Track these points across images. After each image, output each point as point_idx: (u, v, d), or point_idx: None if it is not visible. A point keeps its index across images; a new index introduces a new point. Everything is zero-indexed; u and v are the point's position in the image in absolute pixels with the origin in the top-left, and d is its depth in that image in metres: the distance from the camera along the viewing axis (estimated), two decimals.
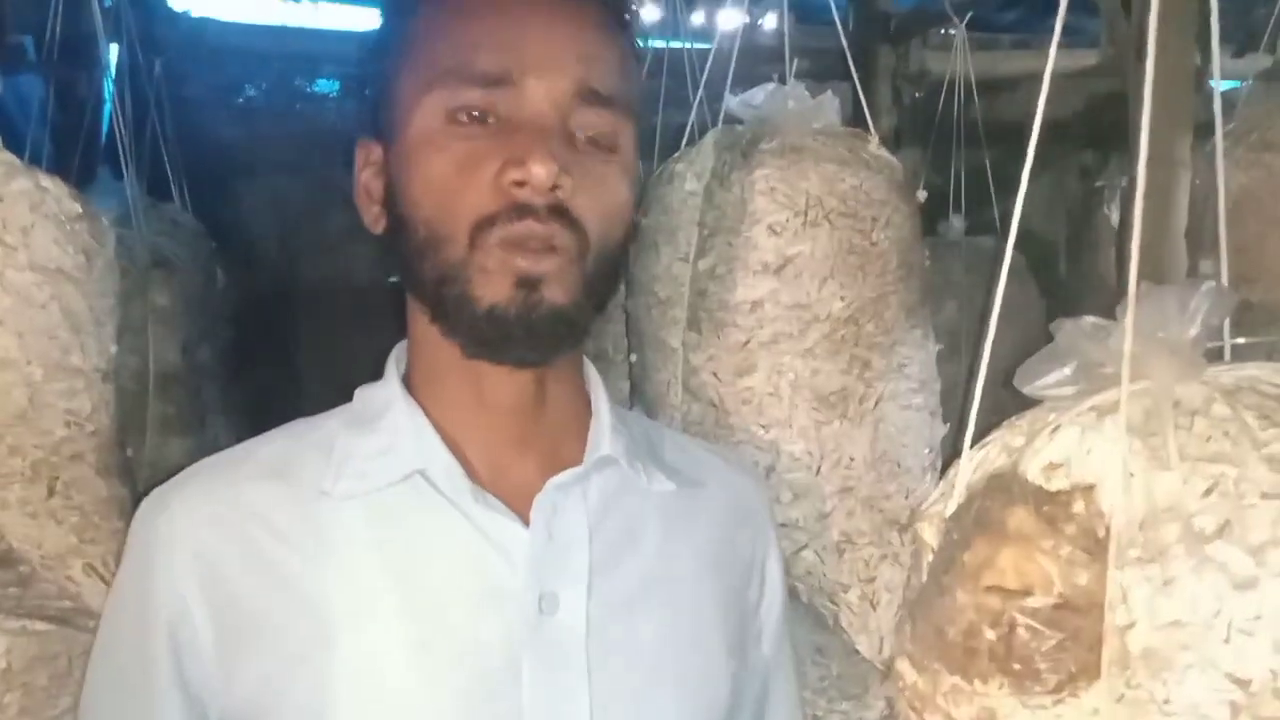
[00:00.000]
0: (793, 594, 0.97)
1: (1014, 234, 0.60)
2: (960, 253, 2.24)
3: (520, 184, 0.63)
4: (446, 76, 0.65)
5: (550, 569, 0.66)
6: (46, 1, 1.89)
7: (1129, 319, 0.51)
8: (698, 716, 0.71)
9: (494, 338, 0.65)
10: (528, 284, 0.64)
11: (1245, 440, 0.47)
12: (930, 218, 2.35)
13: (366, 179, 0.72)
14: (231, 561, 0.66)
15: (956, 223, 2.40)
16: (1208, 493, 0.45)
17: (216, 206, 2.24)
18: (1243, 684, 0.43)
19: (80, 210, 0.85)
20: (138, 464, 1.35)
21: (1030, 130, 0.58)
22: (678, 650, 0.70)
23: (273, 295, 2.62)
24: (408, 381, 0.72)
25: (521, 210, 0.64)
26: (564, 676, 0.65)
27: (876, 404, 0.96)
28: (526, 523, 0.67)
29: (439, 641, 0.64)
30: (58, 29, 1.85)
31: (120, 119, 1.78)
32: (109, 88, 1.95)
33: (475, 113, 0.65)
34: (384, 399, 0.70)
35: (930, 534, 0.56)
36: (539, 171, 0.63)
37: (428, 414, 0.69)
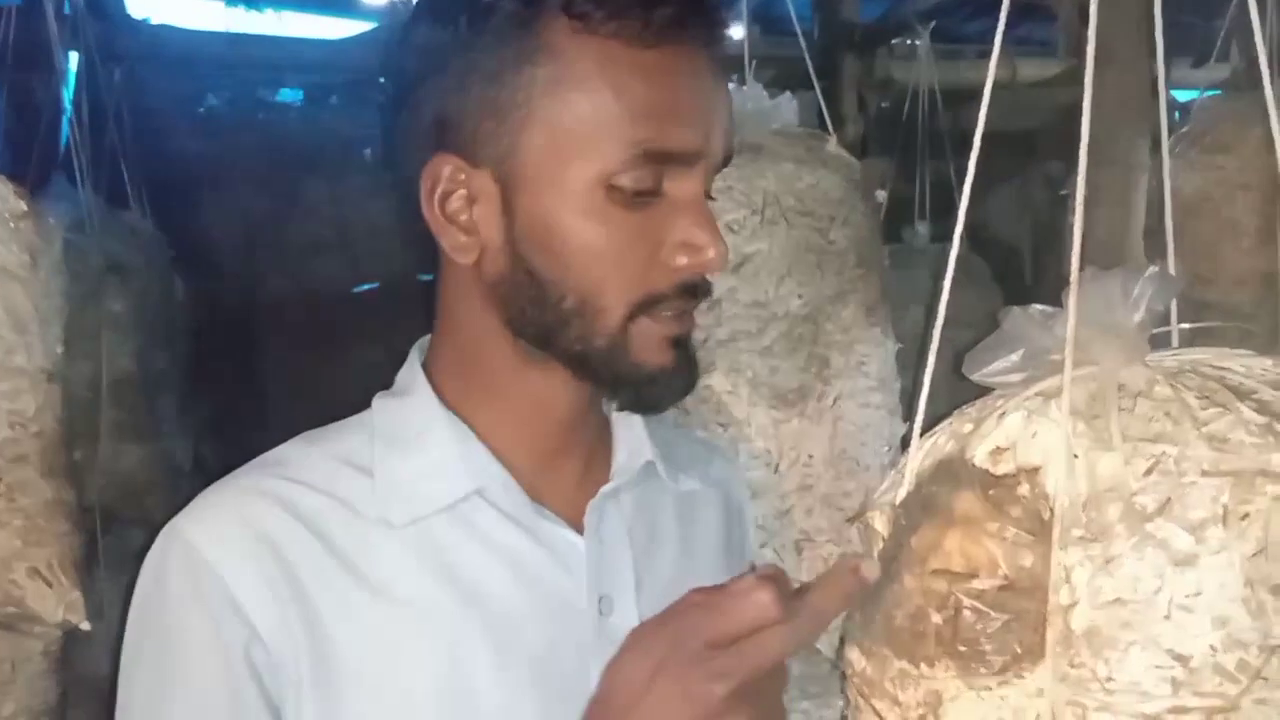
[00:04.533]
0: None
1: (959, 236, 0.60)
2: (926, 259, 2.26)
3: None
4: (627, 146, 0.61)
5: (605, 573, 0.68)
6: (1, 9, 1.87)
7: (1072, 304, 0.52)
8: None
9: (656, 396, 0.66)
10: (679, 344, 0.65)
11: (1186, 420, 0.47)
12: (897, 225, 2.37)
13: (457, 206, 0.64)
14: (300, 586, 0.63)
15: (922, 229, 2.42)
16: (1149, 472, 0.46)
17: (177, 215, 2.22)
18: (1183, 660, 0.43)
19: (25, 209, 0.84)
20: (89, 470, 1.33)
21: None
22: None
23: (234, 304, 2.59)
24: (437, 389, 0.69)
25: (691, 290, 0.64)
26: None
27: (835, 402, 0.96)
28: (575, 529, 0.68)
29: (517, 656, 0.65)
30: (11, 36, 1.83)
31: (77, 126, 1.77)
32: (67, 95, 1.93)
33: (649, 188, 0.62)
34: (421, 415, 0.68)
35: (880, 522, 0.56)
36: (718, 260, 0.63)
37: (471, 427, 0.68)
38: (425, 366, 0.71)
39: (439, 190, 0.64)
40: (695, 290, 0.64)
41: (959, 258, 0.58)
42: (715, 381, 0.96)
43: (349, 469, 0.67)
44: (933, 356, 0.59)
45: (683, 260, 0.63)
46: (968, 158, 0.57)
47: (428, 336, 0.73)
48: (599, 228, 0.62)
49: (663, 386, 0.65)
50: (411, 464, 0.67)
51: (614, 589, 0.68)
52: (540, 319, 0.64)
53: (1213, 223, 1.31)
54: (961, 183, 0.56)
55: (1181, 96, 2.06)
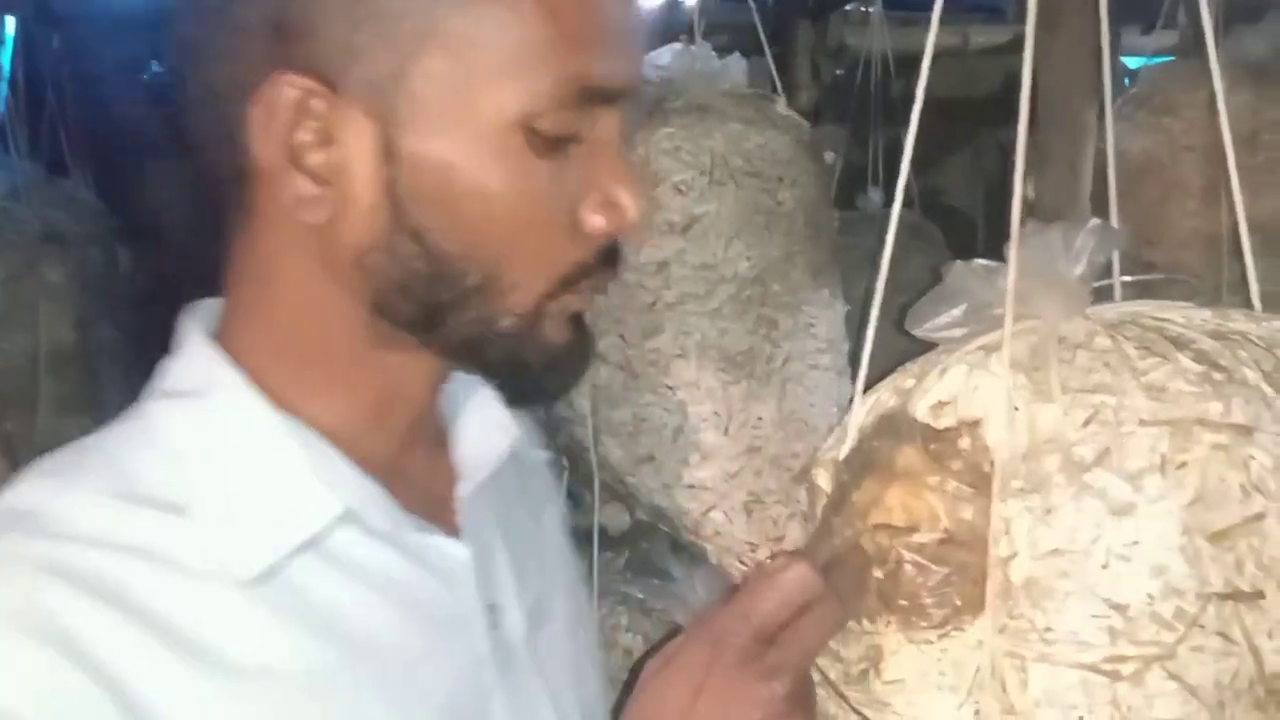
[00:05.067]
0: (702, 556, 0.97)
1: (900, 191, 0.60)
2: (879, 225, 2.26)
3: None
4: (561, 82, 0.47)
5: (489, 580, 0.57)
6: None
7: (1013, 257, 0.52)
8: (603, 685, 0.68)
9: (558, 382, 0.55)
10: (578, 321, 0.53)
11: (1125, 370, 0.47)
12: (849, 192, 2.38)
13: (305, 144, 0.47)
14: (123, 692, 0.44)
15: (875, 196, 2.43)
16: (1088, 422, 0.46)
17: (119, 184, 2.17)
18: (1120, 609, 0.43)
19: None
20: (25, 442, 1.31)
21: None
22: (574, 622, 0.65)
23: (180, 274, 2.54)
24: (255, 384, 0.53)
25: (612, 257, 0.52)
26: (524, 685, 0.58)
27: (784, 363, 0.96)
28: (449, 534, 0.56)
29: (422, 708, 0.53)
30: None
31: (13, 92, 1.72)
32: (4, 60, 1.88)
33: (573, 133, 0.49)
34: (244, 421, 0.51)
35: (824, 479, 0.56)
36: (641, 221, 0.51)
37: (313, 431, 0.52)
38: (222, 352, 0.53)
39: (278, 122, 0.47)
40: (615, 258, 0.52)
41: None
42: (663, 344, 0.95)
43: (144, 509, 0.48)
44: (875, 313, 0.58)
45: (599, 222, 0.50)
46: (921, 125, 0.56)
47: (204, 310, 0.56)
48: (516, 182, 0.48)
49: (563, 371, 0.54)
50: (247, 490, 0.50)
51: (498, 594, 0.57)
52: (428, 297, 0.50)
53: (1158, 184, 1.31)
54: (914, 150, 0.56)
55: (1131, 64, 2.07)
